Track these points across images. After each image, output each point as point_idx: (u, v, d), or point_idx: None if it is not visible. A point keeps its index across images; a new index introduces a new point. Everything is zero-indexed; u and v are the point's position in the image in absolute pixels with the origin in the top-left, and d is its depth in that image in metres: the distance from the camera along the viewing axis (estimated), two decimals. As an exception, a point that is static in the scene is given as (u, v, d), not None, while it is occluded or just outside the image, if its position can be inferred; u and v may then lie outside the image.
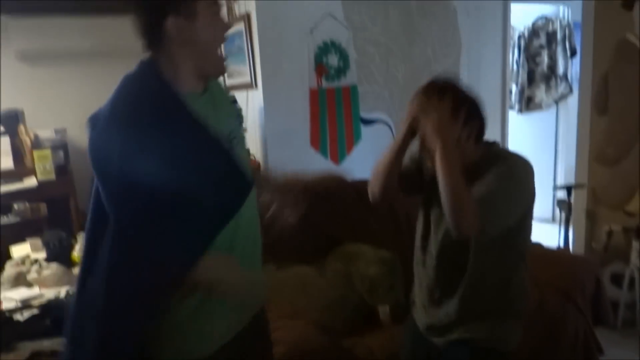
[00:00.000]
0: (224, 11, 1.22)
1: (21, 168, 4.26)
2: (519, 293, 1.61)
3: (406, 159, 1.67)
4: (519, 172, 1.51)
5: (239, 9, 3.21)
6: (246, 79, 3.21)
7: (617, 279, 2.97)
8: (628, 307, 2.91)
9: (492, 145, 1.60)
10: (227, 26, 1.26)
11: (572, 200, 3.38)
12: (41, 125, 4.54)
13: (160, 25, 1.15)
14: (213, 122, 1.22)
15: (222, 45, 1.30)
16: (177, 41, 1.16)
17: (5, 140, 4.22)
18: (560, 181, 4.86)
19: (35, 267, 3.40)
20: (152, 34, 1.18)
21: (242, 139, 1.38)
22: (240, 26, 3.15)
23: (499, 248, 1.53)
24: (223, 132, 1.25)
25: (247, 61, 3.15)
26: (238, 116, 1.44)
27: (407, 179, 1.67)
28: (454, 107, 1.46)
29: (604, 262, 3.02)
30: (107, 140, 1.13)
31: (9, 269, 3.41)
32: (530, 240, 1.67)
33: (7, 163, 4.20)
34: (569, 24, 4.59)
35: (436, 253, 1.59)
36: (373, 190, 1.66)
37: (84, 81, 4.80)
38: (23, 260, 3.59)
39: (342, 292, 2.37)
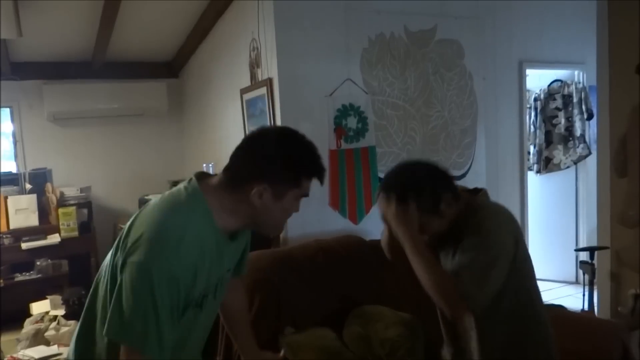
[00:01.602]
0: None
1: (46, 225, 4.35)
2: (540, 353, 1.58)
3: None
4: (486, 227, 1.49)
5: (262, 73, 3.35)
6: (267, 140, 3.29)
7: (646, 346, 2.87)
8: (659, 376, 2.79)
9: (472, 198, 1.60)
10: (298, 210, 1.32)
11: (596, 262, 3.32)
12: (67, 183, 4.68)
13: (250, 183, 1.21)
14: (224, 265, 1.31)
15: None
16: (252, 202, 1.22)
17: (32, 198, 4.34)
18: (583, 242, 4.78)
19: (53, 325, 3.41)
20: (239, 180, 1.23)
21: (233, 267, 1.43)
22: (262, 90, 3.27)
23: (499, 311, 1.51)
24: (226, 271, 1.35)
25: (269, 123, 3.25)
26: (247, 233, 1.48)
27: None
28: (398, 202, 1.52)
29: (631, 326, 2.92)
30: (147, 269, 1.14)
31: (28, 326, 3.43)
32: (536, 295, 1.62)
33: (33, 220, 4.30)
34: (584, 87, 4.66)
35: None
36: (383, 247, 1.79)
37: (109, 141, 4.99)
38: (42, 317, 3.60)
39: (361, 355, 2.33)
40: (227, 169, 1.26)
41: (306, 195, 1.30)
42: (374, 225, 3.38)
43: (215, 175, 1.31)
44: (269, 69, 3.25)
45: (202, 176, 1.29)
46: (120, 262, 1.15)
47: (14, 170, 4.66)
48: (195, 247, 1.17)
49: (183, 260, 1.14)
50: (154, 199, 1.27)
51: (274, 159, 1.22)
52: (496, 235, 1.48)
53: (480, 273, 1.43)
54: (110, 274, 1.19)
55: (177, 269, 1.12)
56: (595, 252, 3.32)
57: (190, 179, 1.26)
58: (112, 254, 1.21)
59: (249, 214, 1.25)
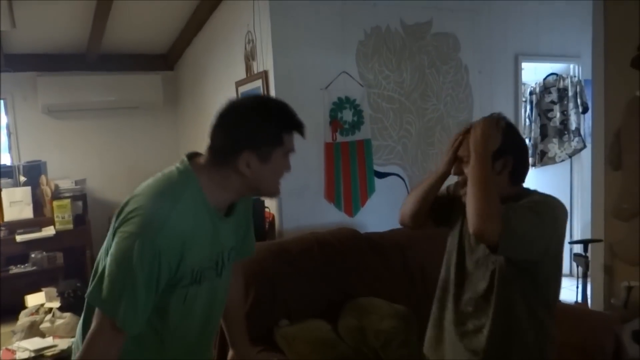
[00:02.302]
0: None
1: (40, 217, 4.34)
2: (544, 341, 1.58)
3: (443, 189, 1.74)
4: (551, 205, 1.53)
5: (257, 66, 3.34)
6: (263, 132, 3.29)
7: (638, 337, 2.89)
8: (651, 367, 2.82)
9: (529, 190, 1.63)
10: (289, 168, 1.33)
11: (589, 254, 3.34)
12: (62, 176, 4.66)
13: (234, 155, 1.23)
14: (223, 241, 1.32)
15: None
16: (242, 172, 1.24)
17: (27, 191, 4.33)
18: (577, 235, 4.80)
19: (48, 317, 3.41)
20: (223, 155, 1.25)
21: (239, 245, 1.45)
22: (258, 82, 3.26)
23: (520, 283, 1.52)
24: (226, 249, 1.35)
25: (264, 116, 3.24)
26: (248, 211, 1.50)
27: (439, 208, 1.72)
28: (503, 135, 1.56)
29: (624, 318, 2.95)
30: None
31: (23, 318, 3.43)
32: (558, 288, 1.65)
33: (27, 213, 4.29)
34: (579, 81, 4.67)
35: (467, 282, 1.61)
36: (404, 211, 1.74)
37: (104, 133, 4.97)
38: (37, 309, 3.60)
39: (356, 347, 2.34)
40: (209, 147, 1.28)
41: (292, 151, 1.30)
42: (369, 218, 3.40)
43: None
44: (265, 61, 3.24)
45: (193, 155, 1.31)
46: (114, 232, 1.19)
47: (8, 163, 4.64)
48: (185, 223, 1.19)
49: (169, 235, 1.16)
50: (148, 179, 1.28)
51: (250, 124, 1.24)
52: (554, 218, 1.51)
53: (529, 228, 1.44)
54: (106, 256, 1.21)
55: (162, 242, 1.14)
56: (589, 245, 3.34)
57: (183, 159, 1.29)
58: (108, 238, 1.23)
59: (243, 185, 1.27)
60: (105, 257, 1.20)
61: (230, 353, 1.66)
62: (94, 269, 1.24)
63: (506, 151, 1.56)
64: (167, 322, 1.28)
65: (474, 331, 1.59)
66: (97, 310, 1.18)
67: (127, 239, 1.14)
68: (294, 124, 1.29)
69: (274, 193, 1.35)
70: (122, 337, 1.18)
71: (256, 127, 1.24)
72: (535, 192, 1.62)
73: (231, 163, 1.24)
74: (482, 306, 1.57)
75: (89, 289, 1.19)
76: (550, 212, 1.52)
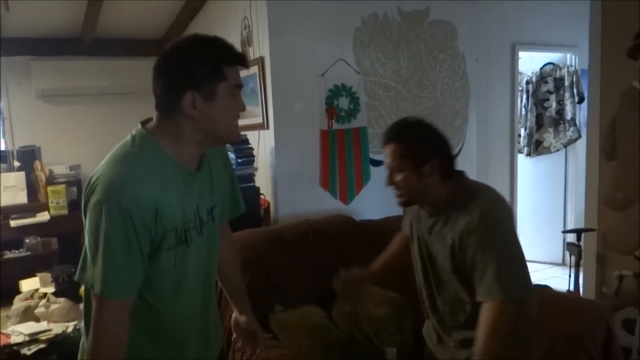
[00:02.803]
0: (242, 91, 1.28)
1: (35, 203, 4.33)
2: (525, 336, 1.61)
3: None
4: (502, 226, 1.50)
5: (253, 52, 3.32)
6: (258, 120, 3.29)
7: (629, 325, 2.92)
8: (641, 355, 2.86)
9: (468, 188, 1.60)
10: (243, 107, 1.28)
11: (582, 244, 3.36)
12: (56, 161, 4.64)
13: (177, 99, 1.19)
14: (199, 199, 1.30)
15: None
16: (190, 115, 1.20)
17: (21, 176, 4.31)
18: (570, 224, 4.83)
19: (43, 302, 3.41)
20: (168, 104, 1.22)
21: (221, 207, 1.42)
22: (254, 69, 3.25)
23: None
24: (203, 207, 1.32)
25: (260, 103, 3.23)
26: (227, 168, 1.47)
27: None
28: (409, 150, 1.56)
29: (615, 307, 2.98)
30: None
31: (18, 303, 3.43)
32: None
33: (22, 198, 4.28)
34: (576, 71, 4.67)
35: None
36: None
37: (99, 119, 4.93)
38: (32, 294, 3.60)
39: (350, 333, 2.35)
40: (155, 103, 1.25)
41: (239, 86, 1.25)
42: (364, 206, 3.40)
43: None
44: (261, 47, 3.22)
45: (146, 122, 1.28)
46: (84, 210, 1.17)
47: (2, 148, 4.62)
48: (149, 180, 1.17)
49: (134, 194, 1.13)
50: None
51: (185, 63, 1.19)
52: (507, 230, 1.50)
53: (504, 267, 1.44)
54: None
55: (128, 202, 1.12)
56: (582, 234, 3.36)
57: (137, 126, 1.27)
58: (83, 218, 1.22)
59: (197, 131, 1.23)
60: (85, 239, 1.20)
61: (234, 315, 1.64)
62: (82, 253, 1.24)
63: (428, 156, 1.55)
64: (163, 294, 1.26)
65: (455, 327, 1.63)
66: (92, 292, 1.17)
67: (94, 208, 1.13)
68: (232, 55, 1.23)
69: (231, 136, 1.29)
70: (123, 305, 1.16)
71: (191, 64, 1.19)
72: (475, 194, 1.56)
73: (179, 109, 1.19)
74: (458, 306, 1.60)
75: (77, 271, 1.18)
76: (507, 234, 1.50)
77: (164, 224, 1.19)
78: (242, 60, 1.25)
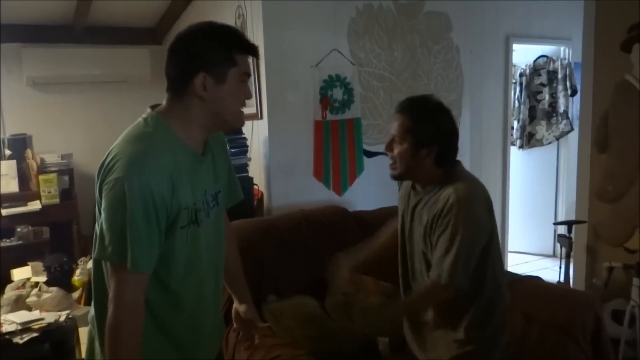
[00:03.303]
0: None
1: (26, 192, 4.30)
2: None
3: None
4: (469, 214, 1.55)
5: (247, 41, 3.29)
6: (252, 109, 3.27)
7: (617, 316, 2.96)
8: (629, 345, 2.89)
9: (451, 173, 1.65)
10: (249, 94, 1.34)
11: (573, 235, 3.39)
12: (48, 150, 4.61)
13: (189, 79, 1.24)
14: (206, 183, 1.34)
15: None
16: (200, 95, 1.24)
17: (12, 164, 4.27)
18: (561, 217, 4.87)
19: (35, 291, 3.41)
20: (180, 84, 1.27)
21: (225, 194, 1.47)
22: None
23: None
24: (209, 192, 1.36)
25: (254, 92, 3.22)
26: (226, 157, 1.53)
27: None
28: (414, 127, 1.61)
29: (604, 298, 3.01)
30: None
31: (9, 292, 3.42)
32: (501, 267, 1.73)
33: (13, 186, 4.24)
34: (569, 64, 4.68)
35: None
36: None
37: (91, 108, 4.89)
38: (23, 284, 3.59)
39: (342, 323, 2.36)
40: (167, 87, 1.30)
41: (248, 74, 1.31)
42: (357, 197, 3.41)
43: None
44: (255, 37, 3.20)
45: (155, 106, 1.33)
46: (99, 189, 1.21)
47: (-7, 136, 4.57)
48: (165, 158, 1.21)
49: (153, 169, 1.17)
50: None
51: (199, 46, 1.25)
52: (471, 217, 1.55)
53: (461, 258, 1.52)
54: (101, 215, 1.22)
55: (148, 177, 1.16)
56: (573, 226, 3.39)
57: (146, 110, 1.31)
58: (96, 198, 1.25)
59: (205, 113, 1.27)
60: (100, 217, 1.21)
61: (234, 306, 1.65)
62: (94, 235, 1.25)
63: (428, 141, 1.61)
64: (176, 272, 1.28)
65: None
66: (109, 268, 1.20)
67: (115, 185, 1.16)
68: (244, 43, 1.29)
69: (237, 121, 1.36)
70: (143, 280, 1.20)
71: (206, 48, 1.25)
72: (457, 181, 1.61)
73: (189, 89, 1.25)
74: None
75: (95, 251, 1.20)
76: (470, 222, 1.54)
77: (179, 200, 1.23)
78: (253, 50, 1.31)
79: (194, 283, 1.33)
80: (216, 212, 1.39)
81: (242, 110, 1.34)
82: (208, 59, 1.24)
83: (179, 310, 1.32)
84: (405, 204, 1.76)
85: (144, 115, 1.29)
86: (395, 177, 1.73)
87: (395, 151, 1.64)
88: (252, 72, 1.35)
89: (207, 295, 1.39)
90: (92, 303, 1.36)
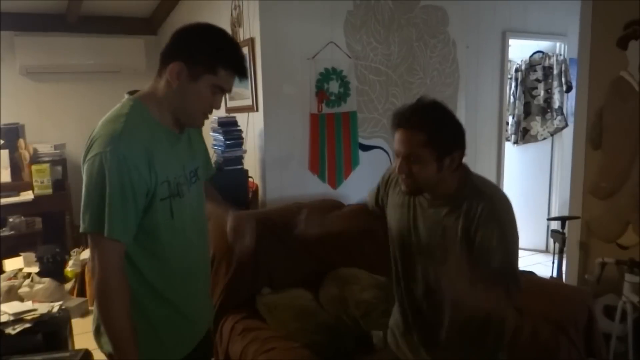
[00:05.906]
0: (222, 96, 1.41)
1: (19, 182, 4.27)
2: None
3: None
4: (509, 216, 1.48)
5: (243, 33, 3.28)
6: (248, 102, 3.26)
7: (609, 311, 2.98)
8: (620, 340, 2.92)
9: (466, 178, 1.55)
10: (217, 106, 1.37)
11: (566, 231, 3.40)
12: (41, 140, 4.57)
13: (169, 62, 1.29)
14: (184, 160, 1.41)
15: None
16: (170, 81, 1.29)
17: (5, 154, 4.24)
18: (555, 212, 4.89)
19: (27, 282, 3.39)
20: (160, 65, 1.33)
21: (201, 175, 1.53)
22: (244, 50, 3.21)
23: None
24: (188, 169, 1.43)
25: (250, 84, 3.20)
26: (202, 138, 1.62)
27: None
28: (434, 140, 1.43)
29: (596, 294, 3.03)
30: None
31: (1, 283, 3.40)
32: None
33: (5, 176, 4.21)
34: (565, 60, 4.69)
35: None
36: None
37: (85, 98, 4.85)
38: (15, 274, 3.57)
39: (337, 316, 2.37)
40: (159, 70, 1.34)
41: (225, 90, 1.34)
42: (352, 191, 3.41)
43: None
44: (251, 28, 3.18)
45: (135, 92, 1.38)
46: (83, 170, 1.26)
47: (-15, 125, 4.53)
48: (140, 133, 1.26)
49: (129, 143, 1.23)
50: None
51: (193, 40, 1.30)
52: (514, 226, 1.49)
53: (512, 256, 1.47)
54: None
55: (124, 150, 1.21)
56: (567, 222, 3.40)
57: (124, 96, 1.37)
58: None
59: (168, 101, 1.32)
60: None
61: (228, 221, 1.69)
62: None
63: (452, 148, 1.46)
64: (160, 240, 1.32)
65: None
66: (90, 241, 1.24)
67: (92, 161, 1.21)
68: (234, 61, 1.32)
69: (192, 122, 1.39)
70: (120, 248, 1.24)
71: (196, 45, 1.29)
72: (476, 186, 1.51)
73: (165, 73, 1.29)
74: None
75: (81, 224, 1.24)
76: (513, 226, 1.48)
77: (157, 173, 1.27)
78: (240, 72, 1.34)
79: (182, 248, 1.39)
80: (197, 185, 1.48)
81: (203, 115, 1.37)
82: (192, 55, 1.28)
83: (172, 275, 1.37)
84: (407, 206, 1.62)
85: (122, 100, 1.35)
86: (413, 193, 1.55)
87: (415, 170, 1.45)
88: (230, 91, 1.38)
89: (196, 259, 1.47)
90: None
